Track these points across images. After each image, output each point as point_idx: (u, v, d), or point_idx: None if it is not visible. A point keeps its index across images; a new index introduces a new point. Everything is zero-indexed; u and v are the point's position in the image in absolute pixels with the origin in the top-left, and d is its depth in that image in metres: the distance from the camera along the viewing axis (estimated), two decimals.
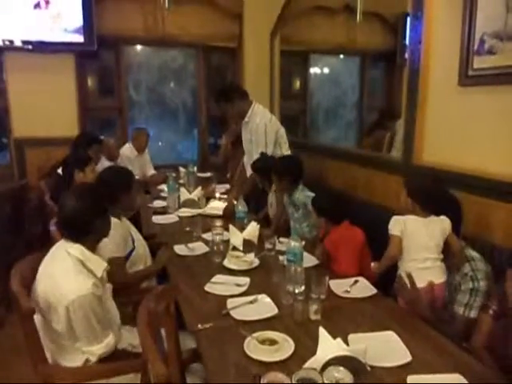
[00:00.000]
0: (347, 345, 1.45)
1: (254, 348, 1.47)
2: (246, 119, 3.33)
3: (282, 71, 4.93)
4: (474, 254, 1.90)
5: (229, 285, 2.00)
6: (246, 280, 2.04)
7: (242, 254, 2.29)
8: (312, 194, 2.76)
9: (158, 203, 3.59)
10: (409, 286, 1.79)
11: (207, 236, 2.61)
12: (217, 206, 3.29)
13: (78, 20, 4.20)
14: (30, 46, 4.13)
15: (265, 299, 1.84)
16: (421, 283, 1.83)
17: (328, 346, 1.41)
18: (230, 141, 4.21)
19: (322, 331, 1.47)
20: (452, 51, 2.32)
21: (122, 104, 4.92)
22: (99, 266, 1.72)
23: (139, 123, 4.95)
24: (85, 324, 1.61)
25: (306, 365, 1.36)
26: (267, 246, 2.37)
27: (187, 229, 2.84)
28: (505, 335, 1.55)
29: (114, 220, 1.99)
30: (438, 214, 1.94)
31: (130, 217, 2.54)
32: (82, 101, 4.60)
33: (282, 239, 2.49)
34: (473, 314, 1.82)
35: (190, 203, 3.41)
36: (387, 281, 2.03)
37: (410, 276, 1.79)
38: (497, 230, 2.07)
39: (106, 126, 5.07)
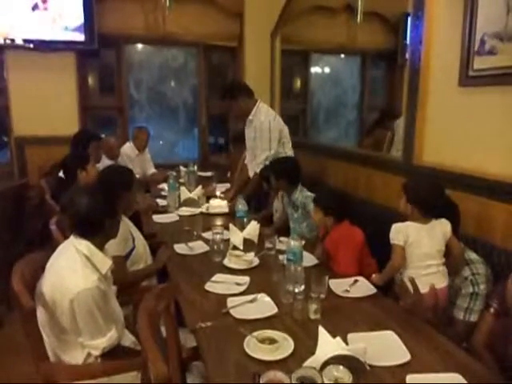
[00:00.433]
0: (347, 344, 1.46)
1: (253, 347, 1.47)
2: (251, 117, 3.33)
3: (283, 71, 4.93)
4: (473, 256, 1.90)
5: (229, 284, 2.00)
6: (245, 279, 2.04)
7: (242, 253, 2.29)
8: (311, 195, 2.76)
9: (158, 202, 3.58)
10: (411, 290, 1.77)
11: (207, 235, 2.62)
12: (219, 205, 3.30)
13: (78, 19, 4.20)
14: (31, 45, 4.14)
15: (264, 298, 1.84)
16: (424, 288, 1.81)
17: (327, 345, 1.41)
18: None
19: (321, 330, 1.47)
20: (452, 51, 2.32)
21: (122, 103, 4.92)
22: (105, 263, 1.73)
23: (140, 122, 4.95)
24: (88, 318, 1.61)
25: (306, 364, 1.36)
26: (267, 245, 2.37)
27: (187, 228, 2.84)
28: (505, 334, 1.56)
29: None
30: (437, 218, 1.93)
31: (131, 216, 2.54)
32: (82, 99, 4.61)
33: (281, 238, 2.49)
34: (473, 318, 1.82)
35: (190, 202, 3.41)
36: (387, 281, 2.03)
37: (413, 281, 1.77)
38: (497, 231, 2.07)
39: (106, 124, 5.07)
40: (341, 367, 1.25)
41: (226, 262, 2.25)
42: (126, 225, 2.34)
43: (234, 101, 3.29)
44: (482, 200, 2.13)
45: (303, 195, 2.80)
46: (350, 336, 1.55)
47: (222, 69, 5.34)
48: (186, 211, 3.28)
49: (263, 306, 1.78)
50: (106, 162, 3.92)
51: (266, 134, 3.24)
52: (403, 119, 2.80)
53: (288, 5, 4.55)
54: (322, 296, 1.80)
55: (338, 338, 1.44)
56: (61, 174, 3.14)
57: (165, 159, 5.10)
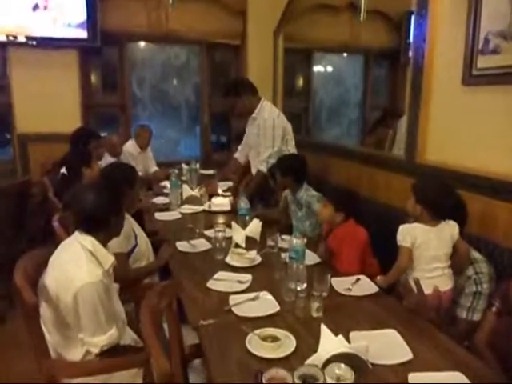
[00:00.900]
0: (349, 342, 1.46)
1: (255, 344, 1.48)
2: (254, 115, 3.33)
3: (286, 69, 4.92)
4: (476, 255, 1.90)
5: (231, 281, 2.00)
6: (248, 277, 2.05)
7: (244, 251, 2.29)
8: (316, 194, 2.76)
9: (160, 200, 3.59)
10: (415, 291, 1.77)
11: (209, 233, 2.62)
12: (221, 203, 3.30)
13: (81, 16, 4.20)
14: (34, 42, 4.14)
15: (267, 296, 1.84)
16: (427, 290, 1.80)
17: (330, 343, 1.41)
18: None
19: (323, 328, 1.47)
20: (456, 50, 2.32)
21: (125, 101, 4.92)
22: (108, 259, 1.74)
23: (142, 120, 4.95)
24: (91, 313, 1.61)
25: (308, 362, 1.36)
26: (269, 243, 2.37)
27: (189, 225, 2.84)
28: (507, 333, 1.56)
29: None
30: (446, 219, 1.91)
31: (133, 213, 2.54)
32: (85, 97, 4.61)
33: (284, 237, 2.49)
34: (476, 317, 1.82)
35: (192, 200, 3.41)
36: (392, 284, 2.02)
37: (417, 282, 1.76)
38: (500, 230, 2.07)
39: (109, 122, 5.07)
40: (343, 365, 1.25)
41: (228, 259, 2.25)
42: (129, 222, 2.34)
43: (238, 98, 3.29)
44: (484, 199, 2.13)
45: (308, 194, 2.79)
46: (352, 334, 1.55)
47: (225, 67, 5.33)
48: (188, 209, 3.28)
49: (265, 303, 1.79)
50: (108, 159, 3.93)
51: (269, 131, 3.24)
52: (406, 118, 2.80)
53: (291, 3, 4.55)
54: (324, 294, 1.80)
55: (340, 336, 1.44)
56: (63, 170, 3.15)
57: (167, 157, 5.09)
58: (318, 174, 3.64)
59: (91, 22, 4.22)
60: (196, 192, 3.47)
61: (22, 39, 4.10)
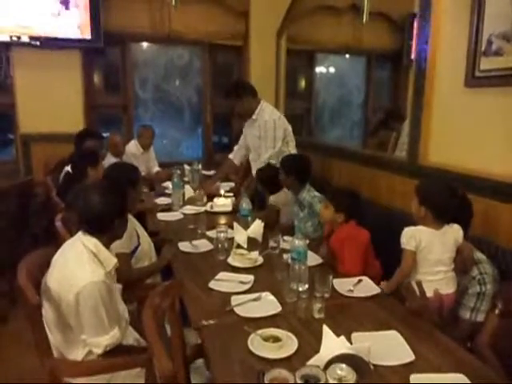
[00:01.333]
0: (351, 343, 1.46)
1: (257, 345, 1.48)
2: (254, 117, 3.36)
3: (288, 70, 4.93)
4: (480, 256, 1.89)
5: (233, 282, 2.01)
6: (250, 278, 2.05)
7: (246, 251, 2.30)
8: (318, 195, 2.77)
9: (162, 200, 3.60)
10: (418, 293, 1.76)
11: (211, 233, 2.62)
12: (223, 203, 3.30)
13: (85, 17, 4.21)
14: (37, 42, 4.15)
15: (269, 297, 1.85)
16: (430, 293, 1.80)
17: (332, 343, 1.41)
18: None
19: (325, 329, 1.48)
20: (459, 52, 2.32)
21: (127, 101, 4.93)
22: (110, 261, 1.74)
23: (145, 120, 4.96)
24: (93, 313, 1.61)
25: (310, 362, 1.36)
26: (271, 244, 2.37)
27: (191, 226, 2.85)
28: (510, 335, 1.56)
29: None
30: (450, 220, 1.90)
31: (135, 213, 2.55)
32: (88, 97, 4.62)
33: (286, 238, 2.49)
34: (479, 317, 1.82)
35: (194, 201, 3.42)
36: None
37: (419, 284, 1.76)
38: (502, 231, 2.07)
39: (111, 123, 5.08)
40: (345, 366, 1.25)
41: (230, 260, 2.25)
42: (131, 222, 2.35)
43: (239, 100, 3.33)
44: (487, 201, 2.13)
45: (311, 195, 2.80)
46: (354, 335, 1.55)
47: (227, 68, 5.34)
48: (190, 209, 3.29)
49: (267, 304, 1.79)
50: (111, 159, 3.93)
51: (270, 132, 3.27)
52: (408, 119, 2.80)
53: (294, 4, 4.55)
54: (326, 295, 1.80)
55: (343, 337, 1.44)
56: (68, 168, 3.15)
57: (169, 158, 5.10)
58: (319, 175, 3.65)
59: (94, 22, 4.23)
60: (196, 194, 3.48)
61: (25, 39, 4.11)
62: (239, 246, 2.37)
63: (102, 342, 1.65)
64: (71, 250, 1.72)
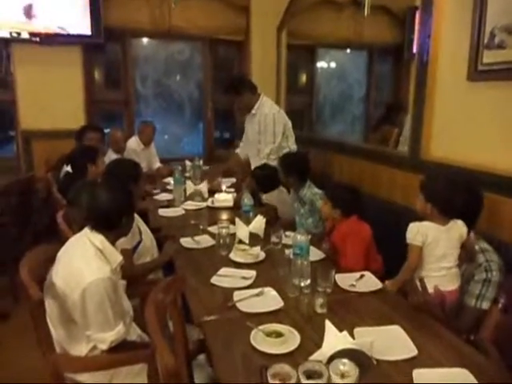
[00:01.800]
0: (353, 338, 1.46)
1: (260, 340, 1.48)
2: (253, 111, 3.36)
3: (289, 65, 4.91)
4: (486, 246, 1.88)
5: (235, 278, 2.01)
6: (252, 273, 2.05)
7: (248, 247, 2.29)
8: (319, 191, 2.77)
9: (164, 196, 3.60)
10: (420, 289, 1.75)
11: (213, 229, 2.62)
12: (224, 199, 3.30)
13: (85, 12, 4.20)
14: (37, 39, 4.14)
15: (271, 292, 1.84)
16: (430, 288, 1.79)
17: (334, 339, 1.41)
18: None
19: (328, 324, 1.48)
20: (461, 45, 2.31)
21: (128, 97, 4.92)
22: (116, 258, 1.75)
23: (145, 116, 4.95)
24: (98, 309, 1.61)
25: (312, 357, 1.36)
26: (273, 239, 2.37)
27: (193, 222, 2.85)
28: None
29: None
30: (457, 216, 1.89)
31: (137, 209, 2.54)
32: (88, 93, 4.62)
33: (288, 233, 2.49)
34: (485, 305, 1.80)
35: (195, 196, 3.42)
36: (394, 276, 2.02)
37: (421, 281, 1.75)
38: (505, 226, 2.06)
39: (112, 119, 5.07)
40: (347, 361, 1.25)
41: (231, 255, 2.25)
42: (133, 218, 2.35)
43: (239, 96, 3.32)
44: (489, 195, 2.11)
45: (311, 192, 2.80)
46: (356, 330, 1.55)
47: (228, 63, 5.32)
48: (191, 205, 3.28)
49: (269, 299, 1.79)
50: (112, 155, 3.93)
51: (270, 127, 3.26)
52: (410, 114, 2.79)
53: None
54: (328, 290, 1.80)
55: (345, 332, 1.44)
56: (68, 168, 3.15)
57: (170, 153, 5.10)
58: (320, 171, 3.64)
59: (94, 18, 4.22)
60: (203, 185, 3.47)
61: (25, 36, 4.10)
62: (241, 242, 2.37)
63: (107, 337, 1.65)
64: (76, 247, 1.72)
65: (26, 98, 4.34)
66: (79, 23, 4.21)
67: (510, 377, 1.40)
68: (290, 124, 3.41)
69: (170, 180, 3.86)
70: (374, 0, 4.07)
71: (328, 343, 1.40)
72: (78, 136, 3.78)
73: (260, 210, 2.83)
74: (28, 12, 4.07)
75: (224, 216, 3.01)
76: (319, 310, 1.69)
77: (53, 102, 4.37)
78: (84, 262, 1.65)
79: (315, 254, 2.21)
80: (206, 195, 3.43)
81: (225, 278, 2.01)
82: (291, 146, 3.37)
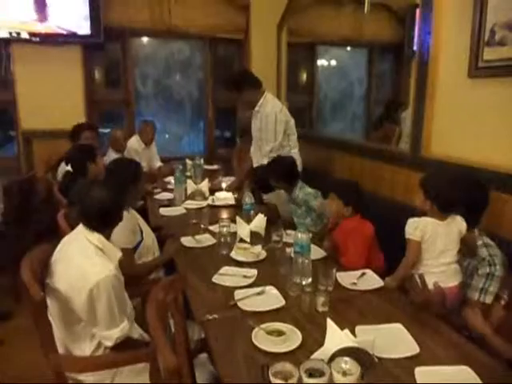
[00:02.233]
0: (355, 336, 1.45)
1: (261, 339, 1.48)
2: (257, 108, 3.32)
3: (289, 63, 4.91)
4: (489, 241, 1.88)
5: (236, 276, 2.00)
6: (253, 272, 2.05)
7: (249, 245, 2.29)
8: (312, 191, 2.77)
9: (165, 195, 3.60)
10: (420, 286, 1.75)
11: (214, 228, 2.62)
12: (225, 197, 3.30)
13: (84, 12, 4.19)
14: (37, 39, 4.13)
15: (272, 291, 1.84)
16: (430, 285, 1.77)
17: (336, 337, 1.41)
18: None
19: (329, 322, 1.47)
20: (462, 42, 2.30)
21: (128, 96, 4.92)
22: (116, 254, 1.76)
23: (146, 115, 4.95)
24: (106, 307, 1.62)
25: (314, 356, 1.36)
26: (274, 238, 2.37)
27: (194, 221, 2.84)
28: None
29: None
30: (458, 212, 1.88)
31: (138, 208, 2.55)
32: (89, 93, 4.62)
33: (288, 231, 2.49)
34: (488, 299, 1.79)
35: (196, 195, 3.42)
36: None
37: (421, 277, 1.75)
38: (505, 224, 2.06)
39: (113, 118, 5.07)
40: (349, 359, 1.24)
41: (233, 254, 2.25)
42: (134, 217, 2.35)
43: (241, 92, 3.28)
44: (490, 192, 2.11)
45: (304, 192, 2.80)
46: (358, 328, 1.55)
47: (228, 61, 5.32)
48: (192, 204, 3.28)
49: (271, 298, 1.79)
50: (112, 155, 3.93)
51: (271, 126, 3.23)
52: (411, 111, 2.78)
53: None
54: (330, 288, 1.80)
55: (347, 331, 1.44)
56: (67, 167, 3.15)
57: (171, 153, 5.09)
58: (321, 169, 3.64)
59: (94, 17, 4.21)
60: (204, 184, 3.47)
61: (25, 35, 4.10)
62: (242, 240, 2.37)
63: (113, 334, 1.66)
64: (74, 246, 1.72)
65: (25, 98, 4.34)
66: (79, 23, 4.21)
67: (509, 373, 1.40)
68: (292, 121, 3.37)
69: (171, 179, 3.86)
70: None
71: (330, 341, 1.40)
72: (74, 135, 3.77)
73: (261, 208, 2.83)
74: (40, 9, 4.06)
75: (225, 215, 3.01)
76: (321, 309, 1.69)
77: (53, 101, 4.36)
78: (86, 262, 1.65)
79: (316, 253, 2.21)
80: (207, 194, 3.42)
81: (226, 276, 2.01)
82: (292, 145, 3.34)
